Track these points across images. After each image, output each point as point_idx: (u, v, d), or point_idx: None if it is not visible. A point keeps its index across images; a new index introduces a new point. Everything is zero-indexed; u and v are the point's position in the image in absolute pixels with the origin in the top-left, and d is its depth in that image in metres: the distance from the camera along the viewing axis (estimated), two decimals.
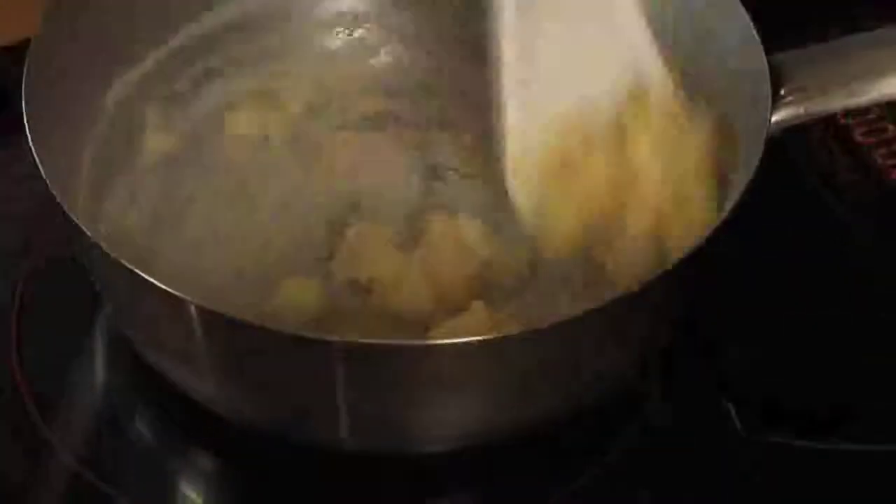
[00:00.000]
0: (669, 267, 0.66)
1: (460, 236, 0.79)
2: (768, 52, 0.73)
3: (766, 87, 0.71)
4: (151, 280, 0.64)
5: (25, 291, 0.81)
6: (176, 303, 0.64)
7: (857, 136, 0.90)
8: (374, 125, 0.86)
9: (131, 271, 0.64)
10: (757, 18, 0.74)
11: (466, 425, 0.70)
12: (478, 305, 0.74)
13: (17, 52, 0.75)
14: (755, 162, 0.69)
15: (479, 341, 0.63)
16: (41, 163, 0.68)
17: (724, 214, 0.68)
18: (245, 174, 0.84)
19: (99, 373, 0.79)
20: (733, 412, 0.77)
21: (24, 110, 0.70)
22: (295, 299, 0.77)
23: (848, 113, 0.90)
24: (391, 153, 0.84)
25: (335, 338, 0.63)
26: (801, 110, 0.73)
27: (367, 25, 0.89)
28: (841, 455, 0.76)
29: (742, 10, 0.75)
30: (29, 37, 0.74)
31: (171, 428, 0.77)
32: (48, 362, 0.78)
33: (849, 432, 0.77)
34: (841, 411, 0.79)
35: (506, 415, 0.70)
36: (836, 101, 0.73)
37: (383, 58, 0.89)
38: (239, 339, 0.66)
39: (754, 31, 0.74)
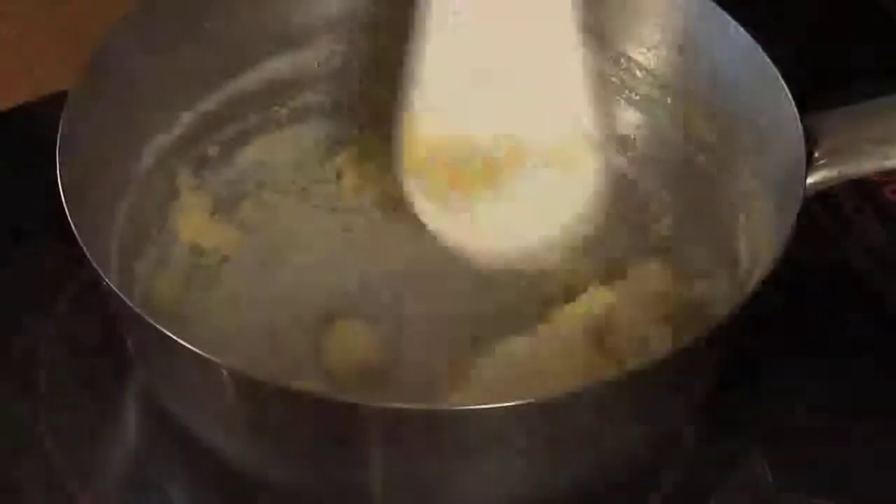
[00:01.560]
0: (704, 332, 0.66)
1: None
2: (801, 113, 0.73)
3: (801, 150, 0.71)
4: (184, 343, 0.64)
5: (54, 349, 0.81)
6: (208, 366, 0.64)
7: (888, 195, 0.90)
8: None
9: (164, 334, 0.64)
10: (790, 79, 0.74)
11: (501, 490, 0.70)
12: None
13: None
14: (790, 225, 0.69)
15: (517, 406, 0.63)
16: (75, 226, 0.68)
17: (762, 276, 0.68)
18: (279, 235, 0.84)
19: (129, 433, 0.79)
20: (767, 468, 0.77)
21: (58, 174, 0.70)
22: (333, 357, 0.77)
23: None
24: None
25: (370, 402, 0.63)
26: (836, 172, 0.72)
27: None
28: None
29: (775, 71, 0.75)
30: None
31: (201, 490, 0.77)
32: (77, 422, 0.78)
33: (883, 490, 0.77)
34: (874, 469, 0.78)
35: (538, 480, 0.70)
36: (870, 163, 0.73)
37: None
38: (271, 403, 0.66)
39: (788, 93, 0.74)
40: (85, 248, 0.67)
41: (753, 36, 0.77)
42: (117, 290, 0.66)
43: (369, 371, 0.77)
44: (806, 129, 0.72)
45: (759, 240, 0.75)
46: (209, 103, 0.83)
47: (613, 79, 0.85)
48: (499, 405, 0.63)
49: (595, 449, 0.70)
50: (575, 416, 0.65)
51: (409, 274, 0.82)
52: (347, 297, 0.81)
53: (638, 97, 0.85)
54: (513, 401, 0.63)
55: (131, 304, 0.66)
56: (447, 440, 0.65)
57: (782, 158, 0.73)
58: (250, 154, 0.86)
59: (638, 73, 0.84)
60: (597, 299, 0.78)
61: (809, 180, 0.72)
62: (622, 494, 0.76)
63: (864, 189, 0.89)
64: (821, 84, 0.79)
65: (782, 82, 0.74)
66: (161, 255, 0.81)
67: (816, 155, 0.72)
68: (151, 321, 0.65)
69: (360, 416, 0.64)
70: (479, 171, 0.77)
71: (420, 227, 0.83)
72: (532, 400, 0.63)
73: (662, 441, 0.75)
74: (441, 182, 0.77)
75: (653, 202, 0.84)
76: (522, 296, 0.80)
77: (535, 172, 0.77)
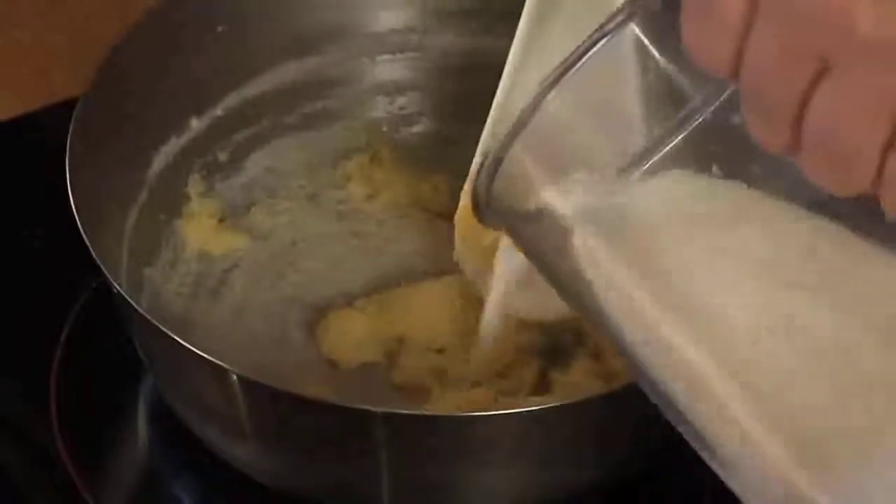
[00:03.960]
0: None
1: None
2: None
3: None
4: (194, 349, 0.64)
5: (66, 353, 0.81)
6: (217, 371, 0.65)
7: None
8: (415, 192, 0.87)
9: (174, 339, 0.65)
10: None
11: (505, 495, 0.70)
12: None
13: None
14: None
15: (527, 412, 0.64)
16: (86, 232, 0.68)
17: None
18: (288, 241, 0.84)
19: (140, 437, 0.79)
20: None
21: (68, 179, 0.70)
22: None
23: None
24: (433, 219, 0.85)
25: (379, 409, 0.63)
26: None
27: (408, 94, 0.89)
28: None
29: None
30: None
31: (211, 494, 0.77)
32: (89, 425, 0.78)
33: None
34: None
35: (537, 486, 0.70)
36: None
37: (422, 126, 0.89)
38: (280, 409, 0.66)
39: None
40: (95, 255, 0.67)
41: None
42: (127, 296, 0.67)
43: (370, 361, 0.78)
44: None
45: None
46: (219, 109, 0.84)
47: None
48: (505, 412, 0.63)
49: (600, 454, 0.70)
50: (579, 424, 0.66)
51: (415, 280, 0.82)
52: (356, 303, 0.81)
53: None
54: (518, 408, 0.64)
55: (141, 310, 0.66)
56: (454, 445, 0.65)
57: None
58: (260, 160, 0.86)
59: None
60: None
61: None
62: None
63: None
64: None
65: None
66: (170, 260, 0.81)
67: None
68: (161, 326, 0.65)
69: (367, 421, 0.64)
70: None
71: (429, 233, 0.83)
72: (535, 408, 0.64)
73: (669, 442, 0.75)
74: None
75: None
76: None
77: None
